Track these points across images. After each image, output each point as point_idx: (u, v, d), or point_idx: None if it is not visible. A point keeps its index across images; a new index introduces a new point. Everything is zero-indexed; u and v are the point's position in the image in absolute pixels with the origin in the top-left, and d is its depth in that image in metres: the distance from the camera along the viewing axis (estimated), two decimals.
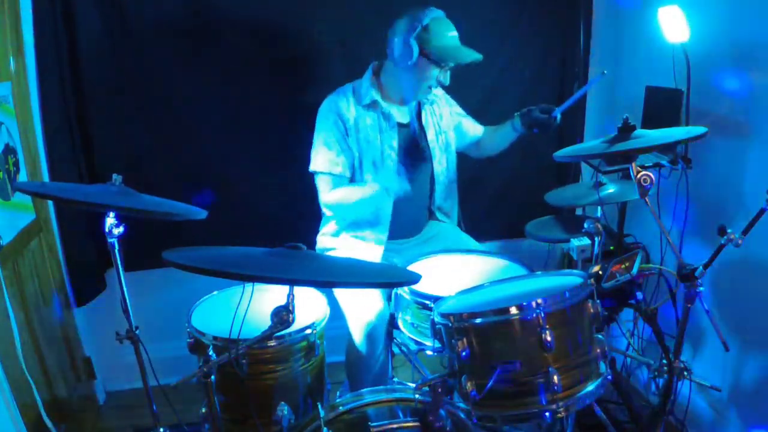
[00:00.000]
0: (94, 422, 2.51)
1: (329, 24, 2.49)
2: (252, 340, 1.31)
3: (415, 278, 1.35)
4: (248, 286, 1.55)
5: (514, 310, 1.32)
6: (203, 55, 2.42)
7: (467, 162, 2.41)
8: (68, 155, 2.35)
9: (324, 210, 2.17)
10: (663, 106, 2.26)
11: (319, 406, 1.52)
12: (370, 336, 1.94)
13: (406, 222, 2.21)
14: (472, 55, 1.99)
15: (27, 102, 2.16)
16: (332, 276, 1.29)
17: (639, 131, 1.52)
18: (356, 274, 1.39)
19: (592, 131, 2.87)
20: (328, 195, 2.12)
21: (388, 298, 1.97)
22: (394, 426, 1.45)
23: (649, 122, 2.32)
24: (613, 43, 2.72)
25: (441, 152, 2.24)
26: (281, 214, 2.60)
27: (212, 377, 1.34)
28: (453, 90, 2.37)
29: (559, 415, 1.32)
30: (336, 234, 2.22)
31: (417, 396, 1.53)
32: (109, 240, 1.57)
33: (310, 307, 1.75)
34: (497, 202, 2.87)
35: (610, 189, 2.12)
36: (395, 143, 2.13)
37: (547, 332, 1.29)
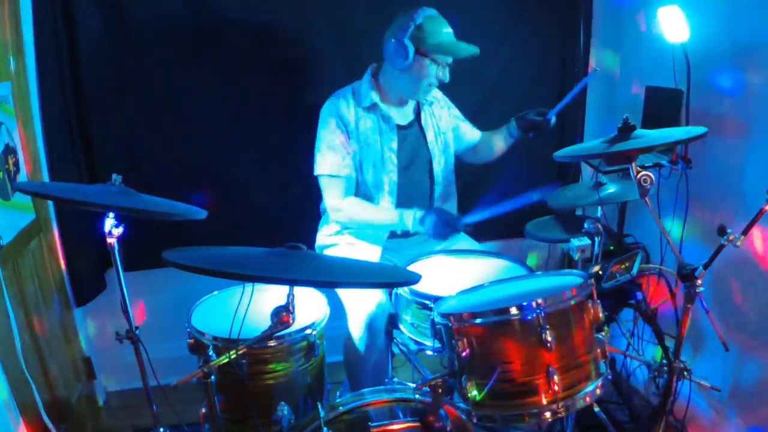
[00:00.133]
0: (94, 422, 2.51)
1: (329, 24, 2.49)
2: (252, 340, 1.31)
3: (415, 278, 1.35)
4: (248, 286, 1.55)
5: (514, 311, 1.32)
6: (203, 55, 2.42)
7: (467, 163, 2.42)
8: (68, 155, 2.35)
9: (331, 215, 2.15)
10: (663, 106, 2.26)
11: (319, 406, 1.52)
12: (371, 327, 1.94)
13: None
14: (468, 49, 1.99)
15: (27, 102, 2.16)
16: (332, 276, 1.30)
17: (639, 131, 1.52)
18: (356, 274, 1.39)
19: (592, 131, 2.87)
20: (335, 200, 2.10)
21: (389, 298, 1.97)
22: (394, 426, 1.45)
23: (649, 122, 2.32)
24: (613, 43, 2.72)
25: (440, 153, 2.24)
26: (281, 214, 2.61)
27: (212, 377, 1.34)
28: (453, 90, 2.37)
29: (559, 415, 1.32)
30: (336, 232, 2.22)
31: (417, 396, 1.53)
32: (109, 240, 1.57)
33: (310, 307, 1.75)
34: (497, 202, 2.87)
35: (610, 189, 2.12)
36: (395, 145, 2.13)
37: (547, 332, 1.29)
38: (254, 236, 1.79)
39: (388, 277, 1.47)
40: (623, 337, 2.40)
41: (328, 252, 2.22)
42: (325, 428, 1.43)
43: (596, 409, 2.14)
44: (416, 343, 1.81)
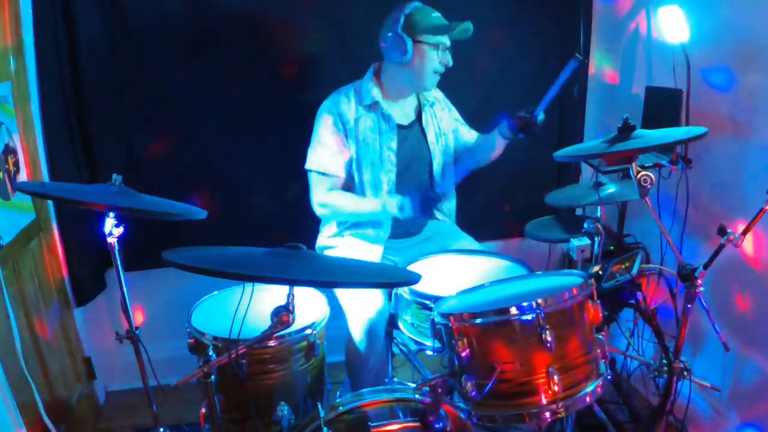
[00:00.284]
0: (94, 422, 2.50)
1: (329, 24, 2.49)
2: (252, 340, 1.31)
3: (415, 278, 1.35)
4: (248, 286, 1.55)
5: (514, 311, 1.32)
6: (203, 55, 2.42)
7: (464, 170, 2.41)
8: (68, 155, 2.35)
9: (316, 209, 2.15)
10: (663, 106, 2.26)
11: (319, 406, 1.52)
12: (370, 332, 1.95)
13: (406, 222, 2.21)
14: (462, 25, 2.00)
15: (27, 102, 2.16)
16: (332, 276, 1.30)
17: (639, 131, 1.52)
18: (356, 274, 1.39)
19: (592, 131, 2.87)
20: (321, 195, 2.12)
21: (389, 298, 1.97)
22: (394, 426, 1.45)
23: (649, 122, 2.32)
24: (613, 43, 2.72)
25: (441, 154, 2.24)
26: (281, 214, 2.61)
27: (212, 377, 1.34)
28: (453, 90, 2.37)
29: (559, 415, 1.32)
30: (337, 233, 2.22)
31: (417, 396, 1.53)
32: (109, 240, 1.57)
33: (310, 307, 1.75)
34: (497, 202, 2.87)
35: (610, 189, 2.12)
36: (394, 144, 2.13)
37: (547, 332, 1.29)
38: (254, 236, 1.80)
39: (388, 277, 1.47)
40: (623, 337, 2.40)
41: (328, 253, 2.22)
42: (325, 428, 1.43)
43: (596, 409, 2.14)
44: (416, 343, 1.81)
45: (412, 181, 2.18)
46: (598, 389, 1.36)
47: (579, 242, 2.03)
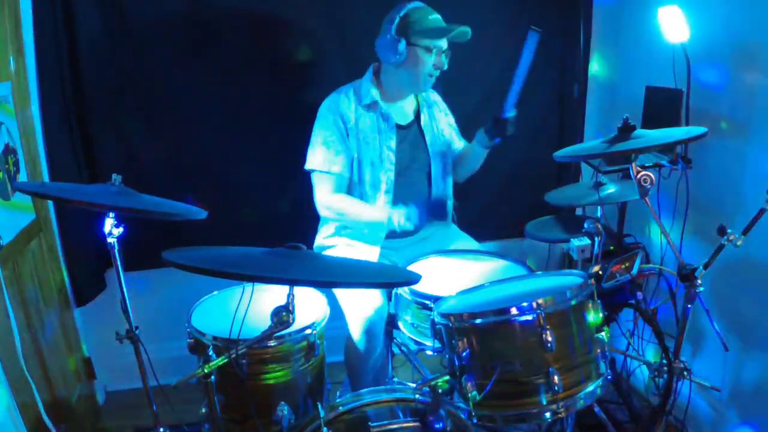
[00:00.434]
0: (94, 422, 2.50)
1: (329, 24, 2.49)
2: (252, 340, 1.31)
3: (415, 278, 1.35)
4: (248, 286, 1.55)
5: (514, 311, 1.33)
6: (203, 55, 2.42)
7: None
8: (68, 155, 2.35)
9: (320, 210, 2.15)
10: (663, 106, 2.26)
11: (319, 406, 1.52)
12: (369, 332, 1.94)
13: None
14: (459, 30, 1.98)
15: (27, 102, 2.15)
16: (332, 276, 1.30)
17: (639, 131, 1.52)
18: (356, 274, 1.39)
19: (592, 131, 2.87)
20: (325, 196, 2.10)
21: (389, 297, 1.97)
22: (394, 426, 1.45)
23: (649, 122, 2.32)
24: (613, 43, 2.72)
25: (439, 155, 2.24)
26: (281, 214, 2.61)
27: (212, 377, 1.34)
28: (453, 90, 2.37)
29: (559, 415, 1.32)
30: (334, 233, 2.22)
31: (417, 396, 1.53)
32: (109, 240, 1.57)
33: (310, 307, 1.75)
34: (497, 202, 2.87)
35: (610, 189, 2.12)
36: (393, 144, 2.12)
37: (548, 332, 1.29)
38: (254, 236, 1.79)
39: (387, 277, 1.47)
40: (623, 337, 2.40)
41: (326, 253, 2.22)
42: (325, 428, 1.43)
43: (596, 409, 2.14)
44: (416, 343, 1.81)
45: (411, 181, 2.18)
46: (599, 389, 1.36)
47: (579, 242, 2.02)
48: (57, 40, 2.23)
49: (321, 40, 2.49)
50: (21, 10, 2.10)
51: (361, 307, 1.95)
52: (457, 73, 2.20)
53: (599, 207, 2.44)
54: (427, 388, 1.37)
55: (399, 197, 2.13)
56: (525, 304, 1.32)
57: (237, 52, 2.44)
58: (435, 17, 2.01)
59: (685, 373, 1.57)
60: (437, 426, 1.37)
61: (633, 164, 1.42)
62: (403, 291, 1.81)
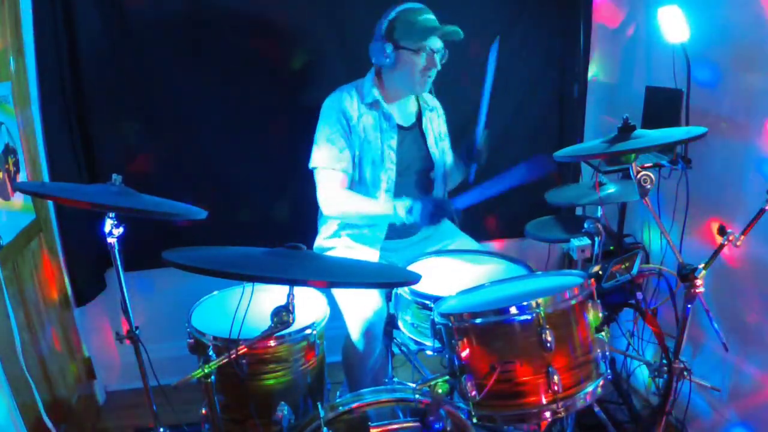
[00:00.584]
0: (94, 422, 2.50)
1: (329, 24, 2.49)
2: (252, 340, 1.31)
3: (415, 278, 1.35)
4: (248, 286, 1.55)
5: (514, 310, 1.33)
6: (203, 55, 2.42)
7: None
8: (68, 155, 2.35)
9: (323, 208, 2.13)
10: (663, 106, 2.26)
11: (319, 406, 1.52)
12: (368, 334, 1.94)
13: (404, 224, 2.21)
14: (445, 29, 1.97)
15: (27, 102, 2.16)
16: (332, 276, 1.30)
17: (639, 131, 1.52)
18: (356, 274, 1.39)
19: (592, 131, 2.87)
20: (330, 192, 2.08)
21: (388, 298, 1.97)
22: (394, 426, 1.45)
23: (649, 122, 2.32)
24: (612, 43, 2.72)
25: (439, 157, 2.24)
26: (281, 214, 2.61)
27: (212, 377, 1.34)
28: (453, 90, 2.37)
29: (559, 415, 1.32)
30: (334, 234, 2.21)
31: (417, 396, 1.53)
32: (109, 240, 1.57)
33: (310, 307, 1.75)
34: (497, 202, 2.87)
35: (610, 189, 2.12)
36: (394, 143, 2.12)
37: (547, 332, 1.29)
38: (254, 236, 1.80)
39: (387, 277, 1.47)
40: (623, 337, 2.40)
41: (327, 248, 2.22)
42: (325, 428, 1.43)
43: (596, 409, 2.14)
44: (416, 343, 1.81)
45: (411, 182, 2.18)
46: (599, 389, 1.36)
47: (579, 242, 2.03)
48: (57, 40, 2.23)
49: (321, 40, 2.49)
50: (21, 10, 2.10)
51: (360, 308, 1.95)
52: (457, 73, 2.20)
53: (599, 207, 2.44)
54: (427, 388, 1.37)
55: (398, 197, 2.13)
56: (525, 303, 1.32)
57: (237, 52, 2.44)
58: (425, 17, 1.99)
59: (685, 373, 1.57)
60: (437, 426, 1.37)
61: (633, 164, 1.42)
62: (403, 291, 1.81)
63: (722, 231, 1.44)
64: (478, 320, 1.35)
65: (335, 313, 1.88)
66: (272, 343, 1.58)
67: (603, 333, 1.42)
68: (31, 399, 1.87)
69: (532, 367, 1.32)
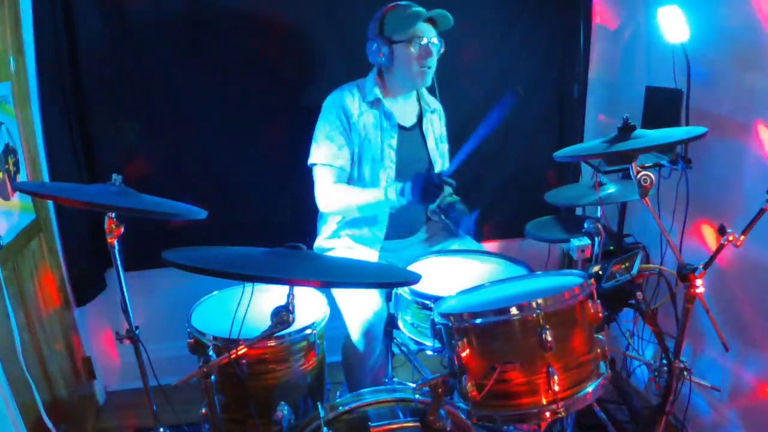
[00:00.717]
0: (94, 422, 2.50)
1: (329, 24, 2.49)
2: (252, 340, 1.31)
3: (415, 278, 1.34)
4: (248, 286, 1.55)
5: (514, 310, 1.32)
6: (203, 55, 2.43)
7: (468, 161, 2.41)
8: (68, 155, 2.35)
9: (320, 203, 2.13)
10: (663, 106, 2.26)
11: (319, 406, 1.52)
12: (368, 335, 1.94)
13: (404, 224, 2.21)
14: (432, 12, 1.96)
15: (27, 102, 2.16)
16: (332, 276, 1.29)
17: (639, 131, 1.52)
18: (356, 274, 1.39)
19: (592, 131, 2.87)
20: (327, 187, 2.08)
21: (388, 298, 1.97)
22: (394, 426, 1.45)
23: (649, 122, 2.32)
24: (612, 43, 2.72)
25: (439, 159, 2.24)
26: (281, 214, 2.61)
27: (212, 377, 1.34)
28: (453, 91, 2.37)
29: (559, 415, 1.32)
30: (334, 235, 2.21)
31: (417, 396, 1.53)
32: (109, 240, 1.57)
33: (310, 307, 1.75)
34: (497, 202, 2.87)
35: (610, 189, 2.12)
36: (394, 142, 2.12)
37: (547, 332, 1.29)
38: (254, 236, 1.80)
39: (387, 277, 1.47)
40: (623, 337, 2.40)
41: (326, 249, 2.22)
42: (325, 428, 1.43)
43: (596, 409, 2.14)
44: (416, 343, 1.81)
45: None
46: (599, 389, 1.36)
47: (579, 242, 2.02)
48: (57, 40, 2.23)
49: (321, 40, 2.50)
50: (21, 10, 2.10)
51: (360, 309, 1.95)
52: (458, 72, 2.20)
53: (599, 207, 2.44)
54: (427, 388, 1.37)
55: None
56: (525, 304, 1.32)
57: (237, 52, 2.44)
58: (413, 11, 1.99)
59: (685, 373, 1.57)
60: (437, 426, 1.37)
61: (633, 164, 1.42)
62: (403, 291, 1.81)
63: (722, 231, 1.44)
64: (478, 320, 1.35)
65: (335, 313, 1.88)
66: (272, 343, 1.58)
67: (603, 333, 1.41)
68: (31, 399, 1.87)
69: (532, 367, 1.31)
